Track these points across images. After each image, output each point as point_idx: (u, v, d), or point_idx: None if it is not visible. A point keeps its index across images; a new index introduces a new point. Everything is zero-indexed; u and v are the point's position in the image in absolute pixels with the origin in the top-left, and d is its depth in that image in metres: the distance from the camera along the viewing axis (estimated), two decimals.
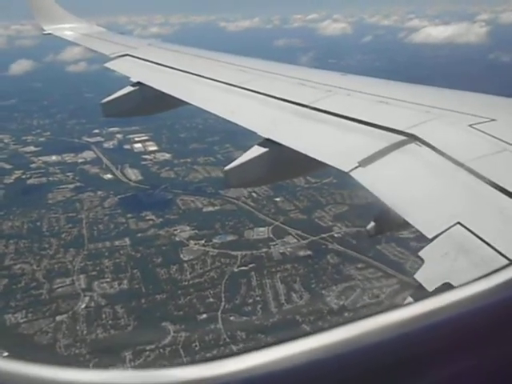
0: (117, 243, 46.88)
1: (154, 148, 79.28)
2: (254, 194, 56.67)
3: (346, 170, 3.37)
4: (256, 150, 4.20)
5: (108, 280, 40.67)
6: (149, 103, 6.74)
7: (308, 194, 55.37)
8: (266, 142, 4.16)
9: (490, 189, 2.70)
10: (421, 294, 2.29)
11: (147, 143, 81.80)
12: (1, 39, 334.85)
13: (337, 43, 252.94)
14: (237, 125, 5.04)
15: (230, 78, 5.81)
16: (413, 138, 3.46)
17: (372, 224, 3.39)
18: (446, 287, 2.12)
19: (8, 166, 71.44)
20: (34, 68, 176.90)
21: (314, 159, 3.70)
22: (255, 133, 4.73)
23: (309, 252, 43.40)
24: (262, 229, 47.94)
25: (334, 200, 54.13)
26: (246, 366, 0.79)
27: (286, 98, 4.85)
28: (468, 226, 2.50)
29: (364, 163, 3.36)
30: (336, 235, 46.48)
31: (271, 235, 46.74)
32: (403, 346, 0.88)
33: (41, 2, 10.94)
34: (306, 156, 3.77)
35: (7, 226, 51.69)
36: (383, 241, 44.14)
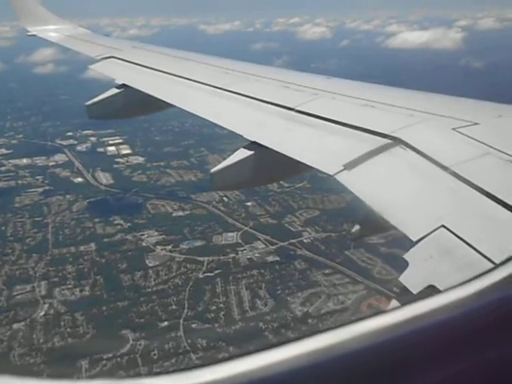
0: (82, 248, 45.65)
1: (128, 151, 77.86)
2: (225, 199, 56.04)
3: (331, 173, 3.35)
4: (242, 153, 4.17)
5: (69, 286, 39.44)
6: (134, 105, 6.70)
7: (280, 198, 54.83)
8: (252, 145, 4.14)
9: (474, 192, 2.70)
10: (406, 296, 2.27)
11: (121, 146, 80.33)
12: None
13: (314, 47, 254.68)
14: (221, 127, 5.02)
15: (215, 80, 5.76)
16: (397, 141, 3.45)
17: (356, 227, 3.36)
18: (431, 290, 2.16)
19: None
20: (9, 69, 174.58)
21: (300, 162, 3.70)
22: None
23: (276, 258, 42.87)
24: (230, 234, 47.26)
25: (306, 205, 53.69)
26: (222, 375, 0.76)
27: (271, 100, 4.81)
28: (452, 229, 2.50)
29: (349, 166, 3.33)
30: (305, 241, 45.96)
31: (240, 240, 46.07)
32: (391, 350, 0.88)
33: (25, 3, 10.80)
34: (291, 159, 3.75)
35: None
36: (352, 246, 44.20)
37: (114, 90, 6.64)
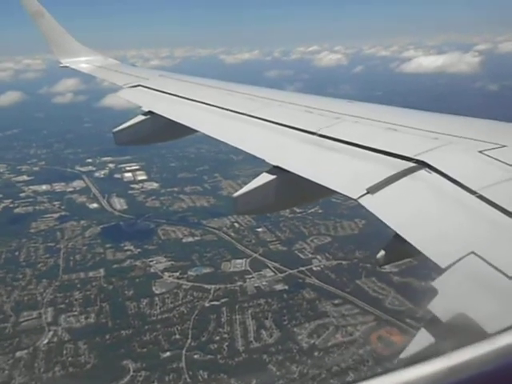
0: (91, 274, 45.50)
1: (144, 177, 78.79)
2: (236, 224, 55.32)
3: (355, 197, 3.28)
4: (264, 178, 4.13)
5: (75, 313, 39.04)
6: (160, 132, 6.83)
7: (291, 224, 53.67)
8: (274, 170, 4.12)
9: (503, 216, 2.62)
10: (435, 325, 2.12)
11: (137, 172, 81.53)
12: (9, 72, 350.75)
13: (328, 73, 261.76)
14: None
15: (239, 106, 5.86)
16: (422, 164, 3.39)
17: (382, 253, 3.21)
18: (462, 318, 2.10)
19: None
20: (36, 99, 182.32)
21: (323, 186, 3.64)
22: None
23: (285, 286, 41.40)
24: (239, 261, 46.27)
25: (318, 231, 52.35)
26: None
27: (293, 125, 4.82)
28: (482, 255, 2.41)
29: (373, 190, 3.28)
30: (315, 268, 44.40)
31: (248, 268, 44.99)
32: None
33: (57, 36, 11.23)
34: (314, 183, 3.70)
35: None
36: (364, 275, 42.45)
37: (141, 117, 6.77)
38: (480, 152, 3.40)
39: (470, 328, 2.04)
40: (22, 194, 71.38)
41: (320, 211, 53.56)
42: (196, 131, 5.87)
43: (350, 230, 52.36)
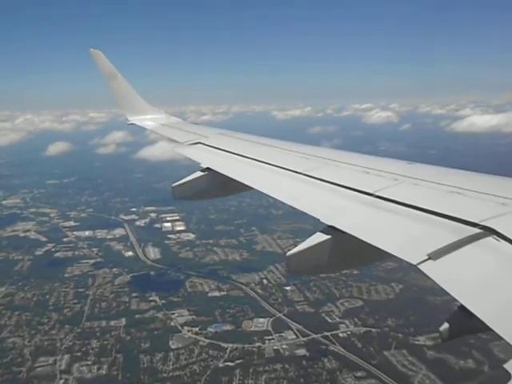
0: (112, 323, 45.37)
1: (182, 228, 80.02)
2: (264, 281, 53.74)
3: (415, 263, 3.09)
4: (318, 237, 4.03)
5: (89, 363, 38.60)
6: (216, 187, 7.01)
7: (323, 284, 51.18)
8: (329, 229, 4.02)
9: None
10: None
11: (177, 223, 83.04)
12: (72, 124, 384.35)
13: (374, 130, 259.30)
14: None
15: (295, 165, 5.95)
16: (489, 231, 3.22)
17: (445, 325, 2.94)
18: None
19: (43, 239, 74.80)
20: (83, 149, 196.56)
21: (379, 249, 3.46)
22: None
23: (306, 352, 38.66)
24: (261, 320, 44.27)
25: (350, 294, 49.55)
26: None
27: (350, 185, 4.78)
28: None
29: (435, 256, 3.09)
30: (341, 334, 41.33)
31: (270, 328, 42.83)
32: None
33: (127, 96, 11.86)
34: (370, 245, 3.55)
35: (19, 297, 52.16)
36: (393, 346, 38.84)
37: (199, 173, 6.97)
38: None
39: None
40: (65, 239, 74.54)
41: (355, 272, 50.76)
42: (251, 188, 5.94)
43: (385, 294, 49.18)
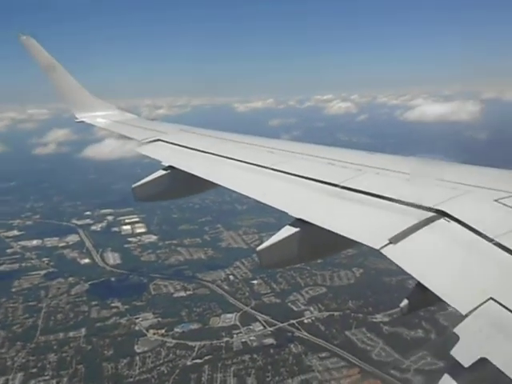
0: (71, 334, 47.69)
1: (143, 230, 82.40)
2: (231, 277, 57.68)
3: (377, 248, 3.63)
4: (287, 230, 4.54)
5: (47, 378, 40.87)
6: (180, 187, 7.33)
7: (288, 275, 56.10)
8: (297, 222, 4.54)
9: None
10: (458, 370, 2.46)
11: (136, 225, 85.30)
12: (6, 122, 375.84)
13: (333, 121, 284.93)
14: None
15: (260, 159, 6.42)
16: (441, 214, 3.81)
17: (405, 301, 3.54)
18: (483, 363, 2.39)
19: None
20: (17, 150, 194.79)
21: (346, 238, 4.03)
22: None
23: (273, 341, 43.15)
24: (229, 315, 48.17)
25: (314, 281, 55.08)
26: None
27: (316, 177, 5.31)
28: (501, 301, 2.72)
29: (395, 240, 3.64)
30: (306, 321, 46.59)
31: (237, 322, 46.83)
32: None
33: (71, 90, 11.84)
34: (337, 235, 4.10)
35: None
36: (354, 326, 44.75)
37: (161, 172, 7.26)
38: (495, 201, 3.82)
39: (492, 373, 2.31)
40: (9, 250, 74.57)
41: (319, 261, 55.54)
42: (217, 185, 6.40)
43: (347, 279, 55.49)
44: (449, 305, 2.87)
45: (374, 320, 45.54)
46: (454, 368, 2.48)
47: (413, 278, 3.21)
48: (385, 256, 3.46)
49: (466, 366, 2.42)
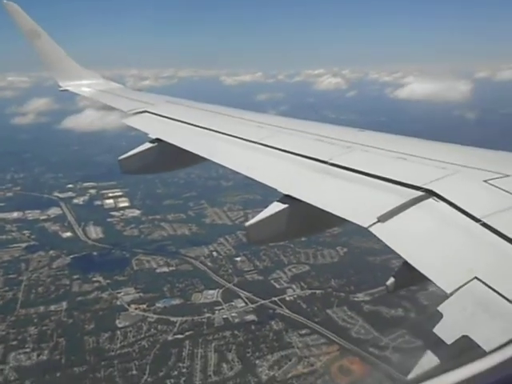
0: (52, 308, 47.38)
1: (126, 204, 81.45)
2: (214, 254, 57.58)
3: (365, 226, 3.65)
4: (275, 207, 4.53)
5: (27, 350, 40.60)
6: (167, 159, 7.25)
7: (271, 252, 56.10)
8: (286, 199, 4.52)
9: (506, 244, 2.99)
10: (440, 347, 2.48)
11: (120, 199, 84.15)
12: None
13: (321, 97, 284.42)
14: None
15: (249, 134, 6.35)
16: (430, 193, 3.83)
17: (391, 280, 3.63)
18: (465, 341, 2.41)
19: None
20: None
21: (334, 215, 4.02)
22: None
23: (254, 317, 43.47)
24: (211, 292, 48.23)
25: (298, 259, 55.17)
26: None
27: (305, 154, 5.28)
28: (485, 281, 2.76)
29: (383, 219, 3.65)
30: (288, 298, 46.89)
31: (219, 299, 46.94)
32: None
33: (56, 58, 11.56)
34: (325, 212, 4.08)
35: None
36: (335, 304, 45.23)
37: (148, 145, 7.18)
38: (485, 181, 3.86)
39: (473, 351, 2.34)
40: None
41: (303, 239, 55.73)
42: (205, 159, 6.33)
43: (330, 258, 55.62)
44: (434, 284, 2.89)
45: (356, 299, 45.96)
46: (437, 345, 2.50)
47: (396, 257, 3.24)
48: (369, 235, 3.47)
49: (449, 343, 2.45)
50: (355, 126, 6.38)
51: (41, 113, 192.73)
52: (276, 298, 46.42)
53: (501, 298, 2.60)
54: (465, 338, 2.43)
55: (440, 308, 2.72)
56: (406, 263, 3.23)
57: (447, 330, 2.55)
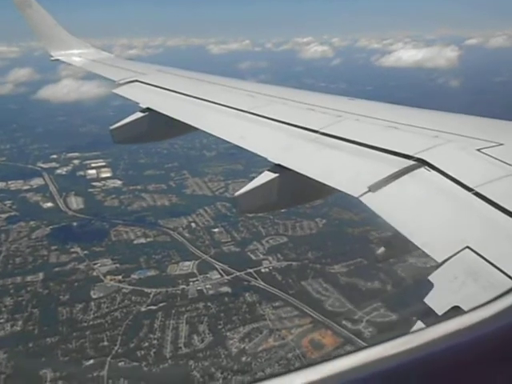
0: (28, 279, 46.62)
1: (108, 175, 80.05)
2: (193, 225, 56.70)
3: (356, 195, 3.56)
4: (266, 176, 4.45)
5: (1, 321, 40.01)
6: (158, 129, 7.14)
7: (250, 224, 55.19)
8: (276, 168, 4.44)
9: (498, 213, 2.90)
10: (430, 318, 2.42)
11: (102, 169, 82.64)
12: None
13: (305, 65, 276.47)
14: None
15: (240, 103, 6.21)
16: (422, 162, 3.71)
17: (382, 249, 3.57)
18: (456, 311, 2.32)
19: None
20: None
21: (324, 184, 3.93)
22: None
23: (228, 289, 42.87)
24: (187, 263, 47.55)
25: (276, 231, 54.13)
26: None
27: (295, 123, 5.16)
28: (477, 250, 2.68)
29: (374, 188, 3.56)
30: (263, 270, 46.13)
31: (195, 270, 46.27)
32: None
33: (47, 27, 11.37)
34: (316, 181, 4.00)
35: None
36: (311, 276, 44.43)
37: (139, 114, 7.08)
38: (478, 150, 3.75)
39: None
40: None
41: (282, 210, 54.79)
42: (196, 129, 6.25)
43: (309, 229, 54.50)
44: (425, 253, 2.81)
45: (332, 270, 45.15)
46: (427, 315, 2.46)
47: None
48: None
49: (440, 313, 2.39)
50: (342, 95, 6.20)
51: (20, 83, 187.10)
52: (251, 270, 45.74)
53: (492, 267, 2.54)
54: (456, 308, 2.35)
55: (431, 278, 2.65)
56: (396, 232, 3.15)
57: (438, 300, 2.49)
